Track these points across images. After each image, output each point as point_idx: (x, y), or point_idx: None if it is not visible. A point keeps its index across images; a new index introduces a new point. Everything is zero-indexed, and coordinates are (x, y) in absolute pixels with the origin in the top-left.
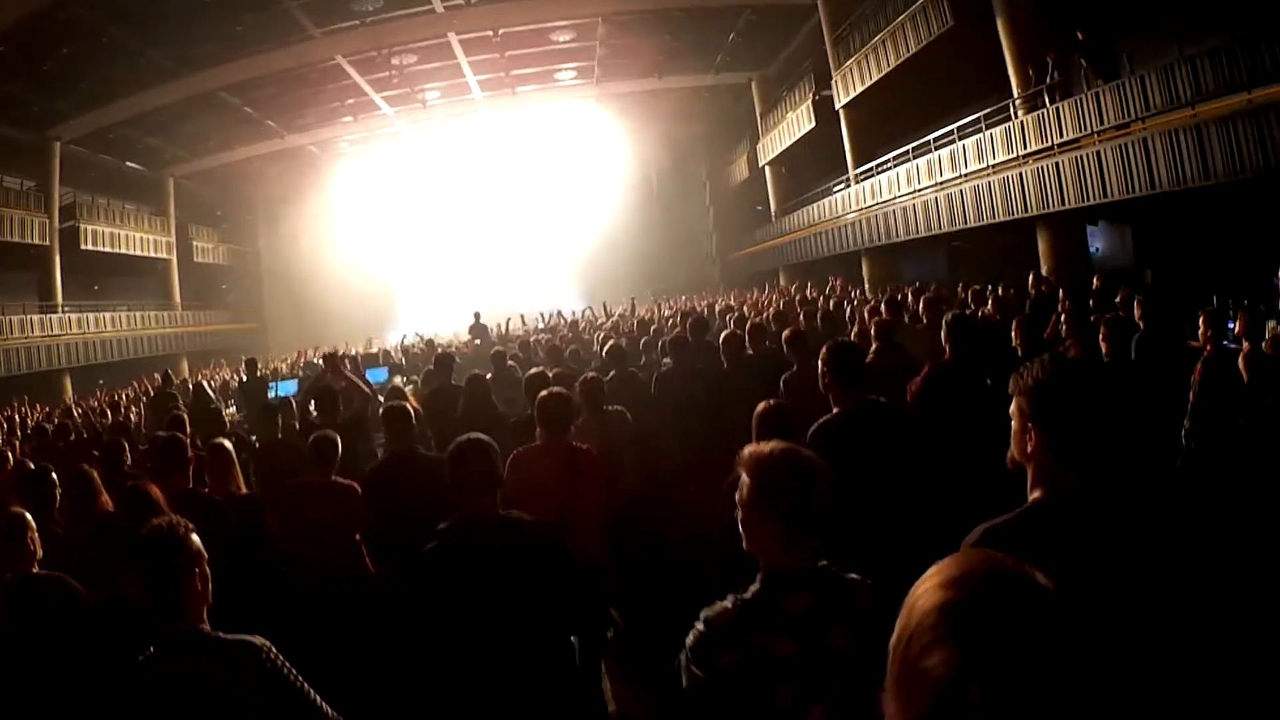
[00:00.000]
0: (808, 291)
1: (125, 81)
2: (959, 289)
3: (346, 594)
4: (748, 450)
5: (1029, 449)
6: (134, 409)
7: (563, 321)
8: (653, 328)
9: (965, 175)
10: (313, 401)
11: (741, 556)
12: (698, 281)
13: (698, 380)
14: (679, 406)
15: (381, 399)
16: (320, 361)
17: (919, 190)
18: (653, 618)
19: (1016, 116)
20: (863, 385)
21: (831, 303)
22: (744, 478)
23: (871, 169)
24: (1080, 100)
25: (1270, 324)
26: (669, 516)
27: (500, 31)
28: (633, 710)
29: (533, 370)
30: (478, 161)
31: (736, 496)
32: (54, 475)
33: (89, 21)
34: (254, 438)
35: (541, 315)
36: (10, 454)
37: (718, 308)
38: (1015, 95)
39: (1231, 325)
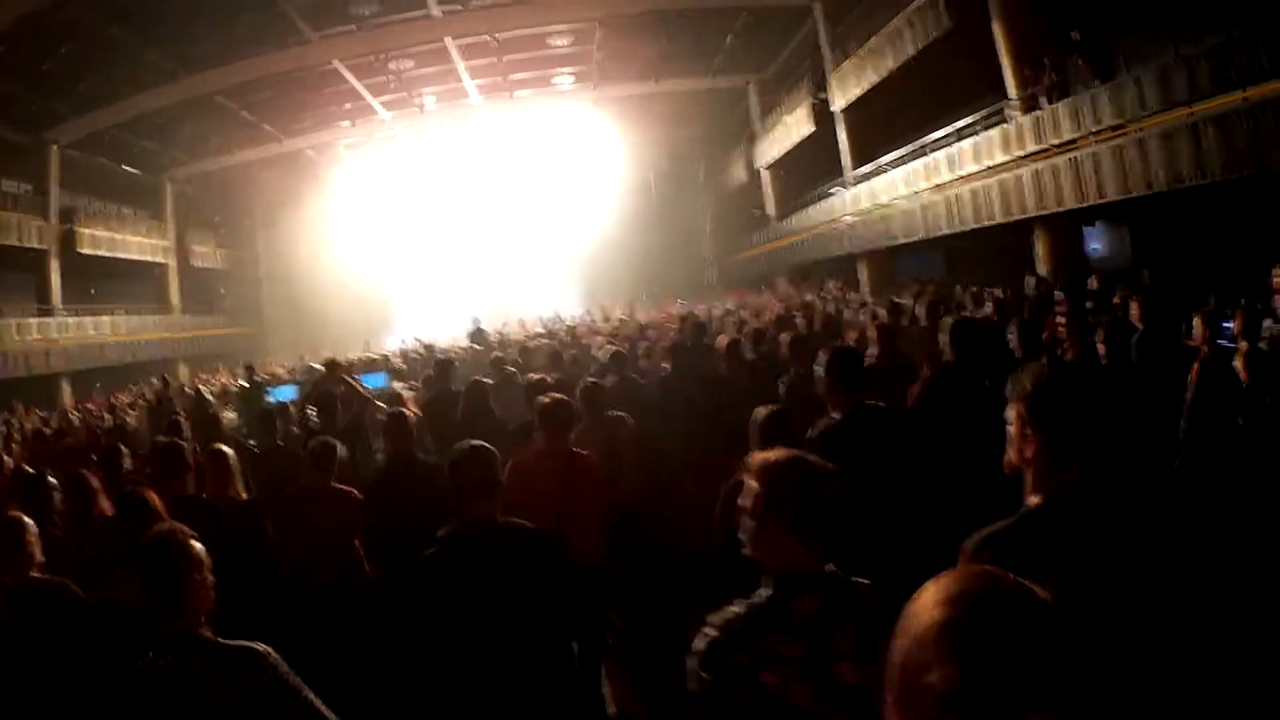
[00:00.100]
0: (806, 295)
1: (122, 83)
2: (957, 290)
3: (345, 599)
4: (755, 458)
5: (1027, 453)
6: (132, 413)
7: (562, 326)
8: (652, 332)
9: (963, 177)
10: (311, 407)
11: (740, 560)
12: (695, 284)
13: (697, 385)
14: (678, 411)
15: (381, 404)
16: (318, 366)
17: (917, 193)
18: (652, 621)
19: (1014, 118)
20: (862, 389)
21: (830, 306)
22: (751, 485)
23: (869, 172)
24: (1077, 101)
25: (1267, 323)
26: (668, 520)
27: (497, 36)
28: (632, 712)
29: (533, 376)
30: (475, 165)
31: (743, 503)
32: (52, 479)
33: (85, 23)
34: (252, 443)
35: (540, 319)
36: (8, 458)
37: (716, 312)
38: (1013, 96)
39: (1229, 325)
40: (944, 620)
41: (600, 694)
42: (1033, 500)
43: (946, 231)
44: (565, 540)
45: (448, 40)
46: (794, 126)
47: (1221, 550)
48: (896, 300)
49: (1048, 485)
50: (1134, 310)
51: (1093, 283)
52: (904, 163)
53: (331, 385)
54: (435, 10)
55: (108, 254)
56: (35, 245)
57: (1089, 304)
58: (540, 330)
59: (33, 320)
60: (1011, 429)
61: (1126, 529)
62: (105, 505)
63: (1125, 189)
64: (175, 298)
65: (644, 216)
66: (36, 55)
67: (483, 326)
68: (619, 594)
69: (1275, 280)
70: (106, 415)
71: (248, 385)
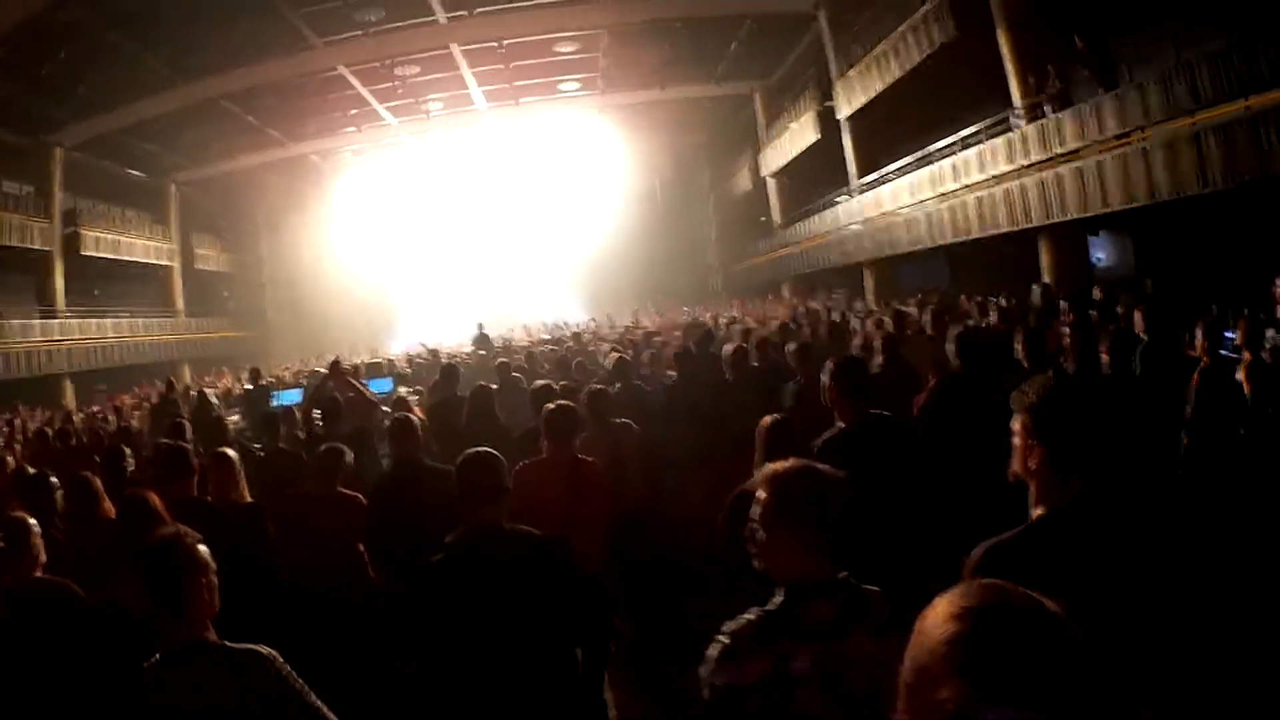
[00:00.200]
0: (811, 303)
1: (126, 88)
2: (962, 299)
3: (347, 603)
4: (765, 468)
5: (1031, 465)
6: (136, 415)
7: (567, 333)
8: (657, 339)
9: (968, 186)
10: (316, 411)
11: (745, 567)
12: (700, 292)
13: (702, 392)
14: (684, 418)
15: (386, 409)
16: (323, 371)
17: (922, 201)
18: (656, 627)
19: (1018, 127)
20: (867, 399)
21: (835, 315)
22: (761, 495)
23: (874, 180)
24: (1081, 110)
25: (1270, 333)
26: (673, 527)
27: (504, 43)
28: (635, 717)
29: (539, 382)
30: (481, 171)
31: (753, 513)
32: (54, 480)
33: (89, 26)
34: (256, 446)
35: (545, 325)
36: (10, 458)
37: (722, 319)
38: (1017, 104)
39: (1231, 335)
40: (955, 634)
41: (603, 700)
42: (1037, 511)
43: (951, 240)
44: (570, 547)
45: (453, 46)
46: (799, 134)
47: (1223, 560)
48: (901, 309)
49: (1051, 496)
50: (1138, 320)
51: (1096, 292)
52: (909, 171)
53: (338, 389)
54: (441, 16)
55: (111, 256)
56: (38, 247)
57: (1093, 313)
58: (545, 336)
59: (35, 321)
60: (1016, 440)
61: (1129, 540)
62: (109, 507)
63: (1129, 198)
64: (179, 301)
65: (649, 223)
66: (39, 58)
67: (486, 332)
68: (623, 601)
69: (1278, 290)
70: (111, 417)
71: (252, 388)
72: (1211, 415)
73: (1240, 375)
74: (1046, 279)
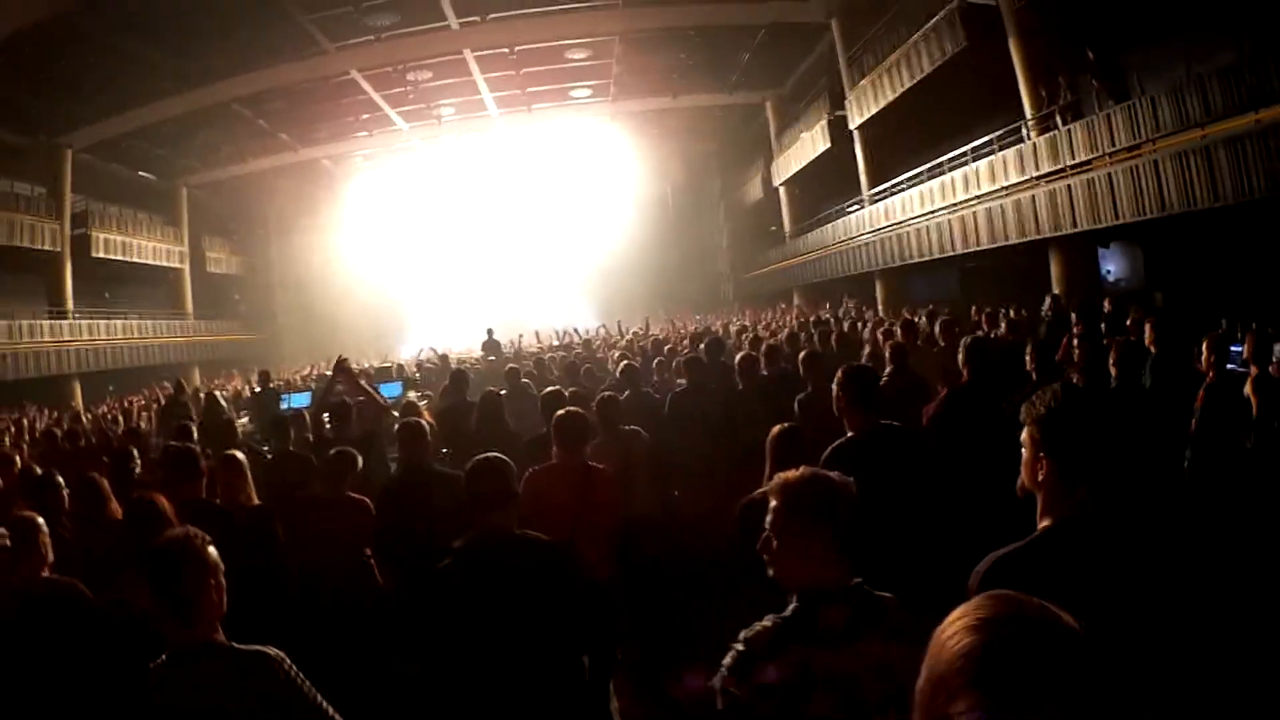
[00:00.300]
0: (821, 312)
1: (137, 91)
2: (971, 310)
3: (355, 607)
4: (776, 477)
5: (1039, 477)
6: (145, 417)
7: (576, 339)
8: (667, 347)
9: (979, 196)
10: (326, 415)
11: (754, 576)
12: (711, 300)
13: (712, 400)
14: (693, 426)
15: (395, 413)
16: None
17: (933, 211)
18: (663, 635)
19: (1029, 138)
20: (877, 408)
21: (845, 324)
22: (773, 503)
23: (885, 190)
24: (1092, 122)
25: (1278, 347)
26: (682, 535)
27: (516, 49)
28: None
29: (549, 388)
30: (492, 176)
31: (766, 521)
32: (60, 480)
33: (101, 29)
34: (265, 449)
35: (556, 332)
36: (18, 458)
37: (733, 328)
38: (1028, 116)
39: (1239, 348)
40: (971, 647)
41: (609, 709)
42: (1044, 522)
43: (961, 251)
44: (578, 552)
45: (466, 52)
46: (810, 143)
47: (1228, 572)
48: (912, 319)
49: (1059, 508)
50: (1148, 333)
51: (1106, 305)
52: (920, 181)
53: (347, 392)
54: (453, 22)
55: (121, 258)
56: (48, 248)
57: (1102, 326)
58: (555, 343)
59: (44, 322)
60: (1025, 452)
61: (1135, 552)
62: (116, 508)
63: (1139, 211)
64: (189, 303)
65: (660, 231)
66: (51, 61)
67: (496, 338)
68: (629, 608)
69: None
70: (119, 418)
71: (261, 391)
72: (1216, 431)
73: (1247, 389)
74: (1056, 290)
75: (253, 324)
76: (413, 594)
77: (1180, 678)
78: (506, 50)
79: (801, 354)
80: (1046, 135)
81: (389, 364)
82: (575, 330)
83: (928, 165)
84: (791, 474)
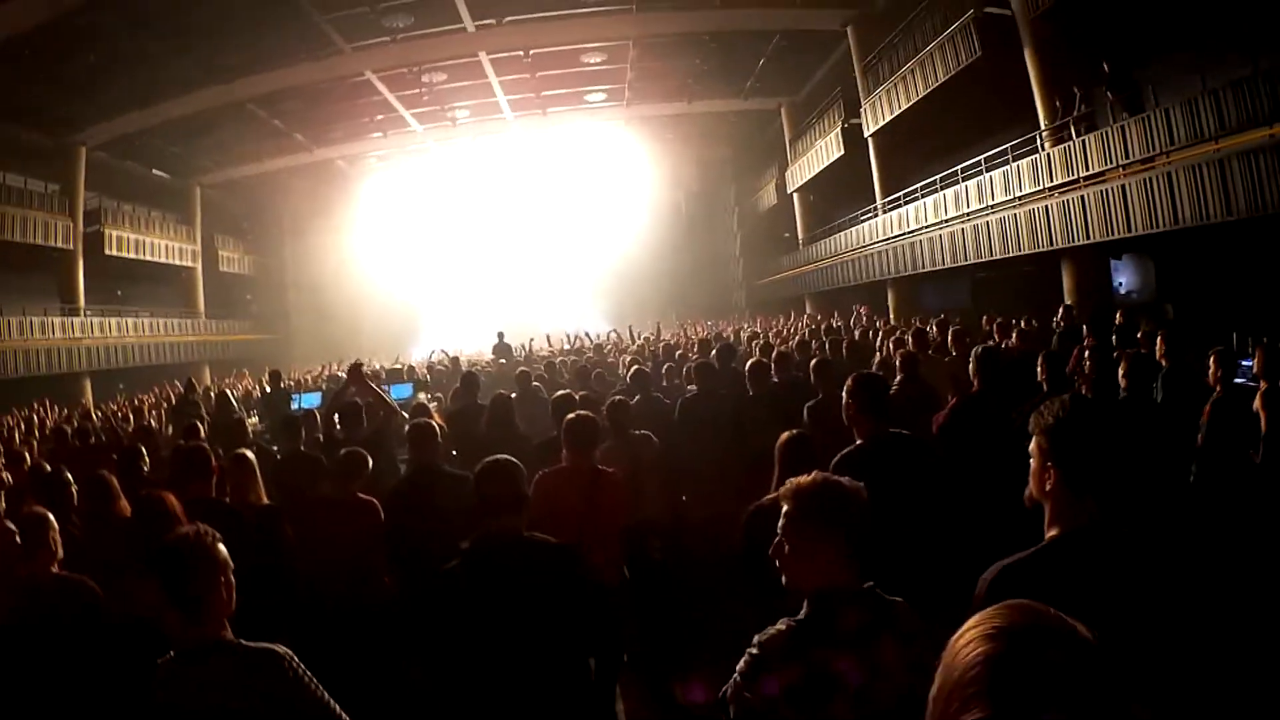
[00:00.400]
0: (833, 320)
1: (152, 89)
2: (983, 320)
3: (362, 607)
4: (788, 482)
5: (1047, 487)
6: (155, 415)
7: (588, 343)
8: (678, 353)
9: (992, 207)
10: (336, 415)
11: (762, 581)
12: (723, 306)
13: (722, 406)
14: (702, 432)
15: (406, 414)
16: (344, 375)
17: (945, 221)
18: (669, 639)
19: (1043, 148)
20: (886, 416)
21: (857, 332)
22: (786, 508)
23: (899, 198)
24: (1106, 133)
25: None
26: (690, 539)
27: (531, 52)
28: None
29: (560, 392)
30: (505, 180)
31: (779, 526)
32: (69, 476)
33: (115, 27)
34: (275, 448)
35: (567, 336)
36: (28, 454)
37: (744, 334)
38: (1042, 127)
39: (1249, 362)
40: (987, 655)
41: (614, 711)
42: (1051, 532)
43: (973, 260)
44: (584, 555)
45: (482, 54)
46: (825, 150)
47: (1232, 585)
48: (923, 328)
49: (1066, 518)
50: (1159, 346)
51: (1118, 316)
52: (933, 190)
53: (358, 394)
54: (470, 24)
55: (134, 256)
56: (61, 245)
57: (1113, 338)
58: (567, 347)
59: (56, 319)
60: (1033, 461)
61: (1141, 564)
62: (124, 505)
63: (1152, 223)
64: (201, 302)
65: (674, 236)
66: (66, 58)
67: (507, 341)
68: (636, 611)
69: None
70: (130, 415)
71: (271, 391)
72: (1222, 445)
73: (1256, 404)
74: (1068, 302)
75: (264, 324)
76: (420, 594)
77: (1185, 690)
78: (522, 53)
79: (812, 361)
80: (1060, 146)
81: (400, 365)
82: (586, 334)
83: (941, 174)
84: (804, 479)
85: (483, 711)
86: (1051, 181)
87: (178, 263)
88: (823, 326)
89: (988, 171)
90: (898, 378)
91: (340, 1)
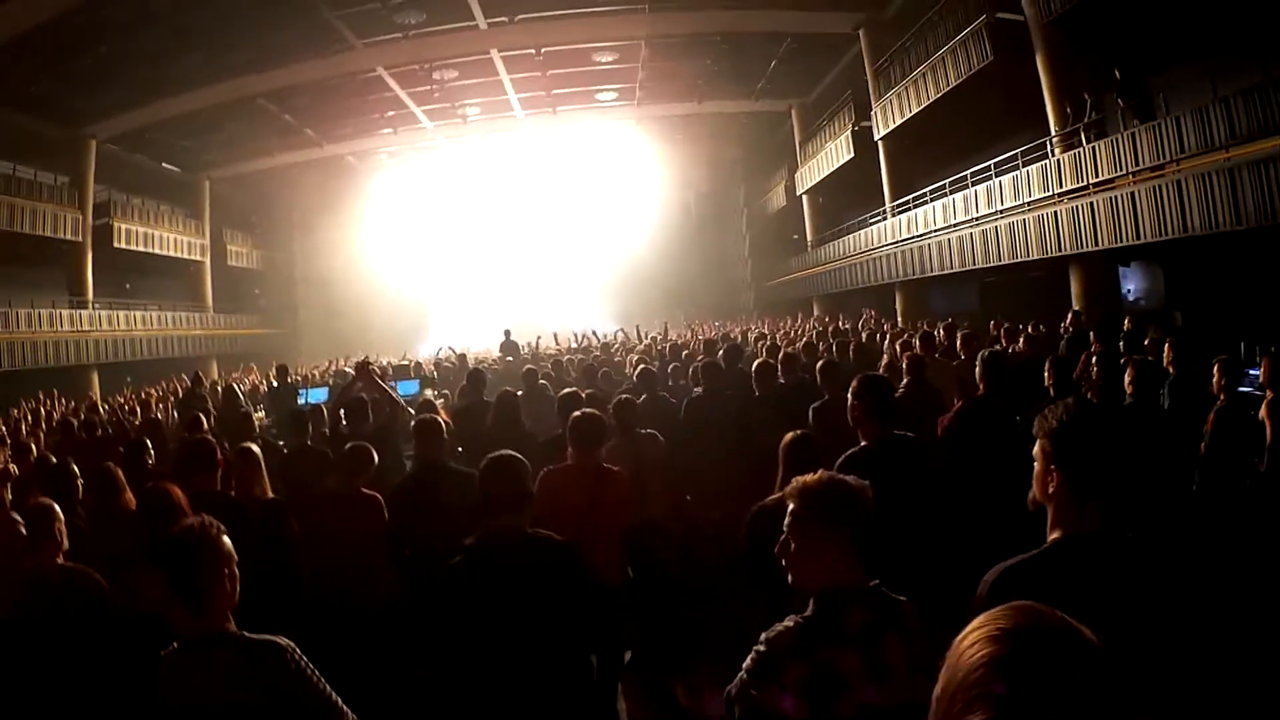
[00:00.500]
0: (840, 323)
1: (163, 83)
2: (990, 325)
3: (366, 602)
4: (794, 482)
5: (1050, 490)
6: (162, 408)
7: (595, 342)
8: (684, 353)
9: (1001, 211)
10: (341, 410)
11: (764, 581)
12: (731, 307)
13: (728, 406)
14: (708, 431)
15: (412, 411)
16: (351, 370)
17: (955, 225)
18: (671, 638)
19: (1053, 154)
20: (892, 419)
21: (864, 335)
22: (792, 507)
23: (908, 202)
24: (1116, 140)
25: None
26: (693, 539)
27: (543, 50)
28: None
29: (566, 390)
30: (515, 177)
31: (785, 525)
32: (75, 469)
33: (126, 21)
34: (281, 443)
35: (574, 334)
36: (35, 446)
37: (751, 335)
38: (1053, 132)
39: (1255, 371)
40: (991, 657)
41: (616, 709)
42: (1053, 535)
43: (981, 265)
44: (584, 553)
45: (493, 52)
46: (834, 153)
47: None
48: (930, 331)
49: (1068, 521)
50: (1167, 353)
51: (1126, 323)
52: (943, 194)
53: (365, 389)
54: (481, 22)
55: (143, 249)
56: (70, 237)
57: (1121, 344)
58: (574, 345)
59: (64, 311)
60: (1036, 465)
61: (1143, 568)
62: (130, 498)
63: (1161, 231)
64: (209, 296)
65: (683, 236)
66: (77, 52)
67: (514, 339)
68: (638, 610)
69: None
70: (138, 409)
71: (278, 385)
72: (1225, 454)
73: (1262, 413)
74: (1076, 307)
75: (272, 318)
76: (424, 590)
77: (1186, 694)
78: (533, 51)
79: (819, 363)
80: (1070, 152)
81: (407, 362)
82: (593, 333)
83: (951, 179)
84: (810, 478)
85: (485, 707)
86: (1061, 188)
87: (186, 256)
88: (830, 329)
89: (997, 176)
90: (904, 380)
91: None
